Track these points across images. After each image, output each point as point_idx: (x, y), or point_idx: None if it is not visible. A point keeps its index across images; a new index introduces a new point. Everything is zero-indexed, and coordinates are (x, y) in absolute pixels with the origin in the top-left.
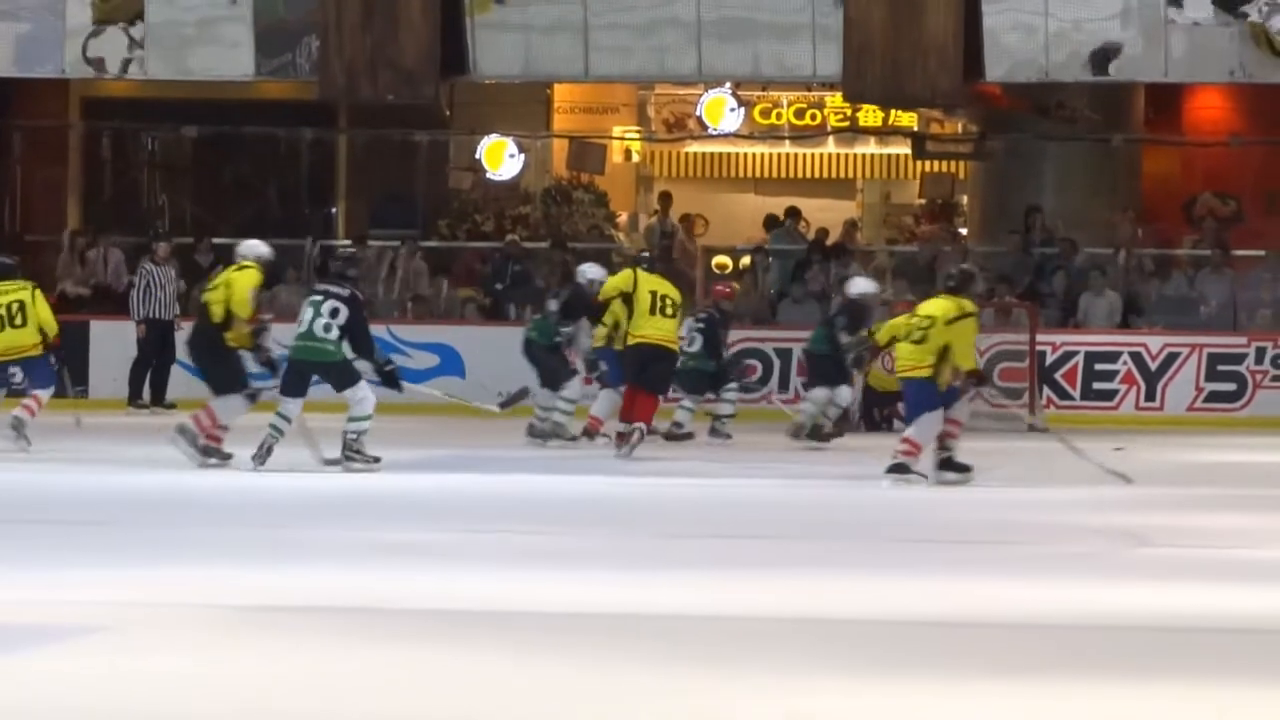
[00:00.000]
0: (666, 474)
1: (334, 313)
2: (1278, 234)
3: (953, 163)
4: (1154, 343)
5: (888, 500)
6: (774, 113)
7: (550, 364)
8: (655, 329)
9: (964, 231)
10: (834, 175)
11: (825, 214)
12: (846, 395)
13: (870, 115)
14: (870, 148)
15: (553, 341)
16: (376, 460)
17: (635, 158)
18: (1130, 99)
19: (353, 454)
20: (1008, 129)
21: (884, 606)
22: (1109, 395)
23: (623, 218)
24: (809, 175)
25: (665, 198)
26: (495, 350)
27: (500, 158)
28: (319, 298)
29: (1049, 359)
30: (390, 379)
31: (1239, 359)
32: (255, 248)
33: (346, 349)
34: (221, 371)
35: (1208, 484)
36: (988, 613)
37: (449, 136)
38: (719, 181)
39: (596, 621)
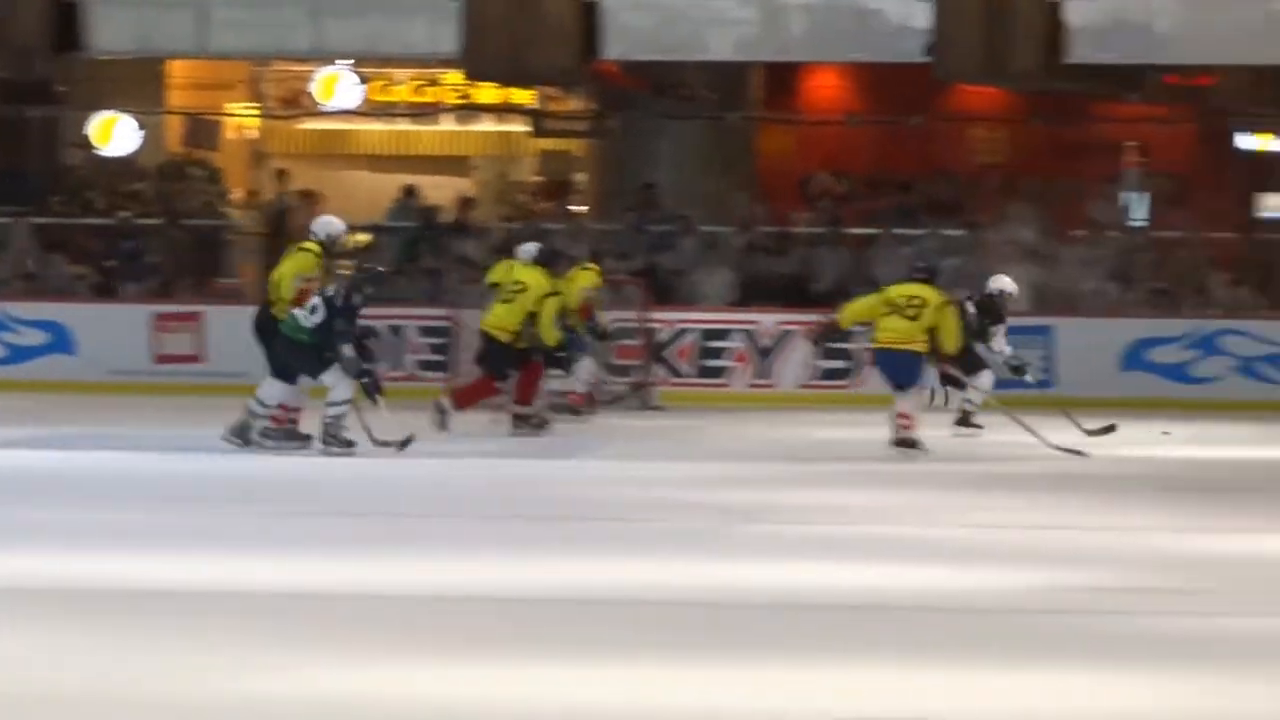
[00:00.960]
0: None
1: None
2: (892, 212)
3: (570, 140)
4: (768, 320)
5: (508, 477)
6: (390, 89)
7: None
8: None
9: (582, 209)
10: (451, 152)
11: (442, 191)
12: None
13: (488, 93)
14: (488, 125)
15: None
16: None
17: (251, 134)
18: (747, 77)
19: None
20: (625, 107)
21: (506, 583)
22: (720, 373)
23: (237, 194)
24: (426, 152)
25: (281, 175)
26: (107, 327)
27: (110, 134)
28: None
29: (663, 336)
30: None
31: (849, 336)
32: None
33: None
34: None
35: (819, 460)
36: (603, 588)
37: (62, 113)
38: (335, 158)
39: (225, 601)
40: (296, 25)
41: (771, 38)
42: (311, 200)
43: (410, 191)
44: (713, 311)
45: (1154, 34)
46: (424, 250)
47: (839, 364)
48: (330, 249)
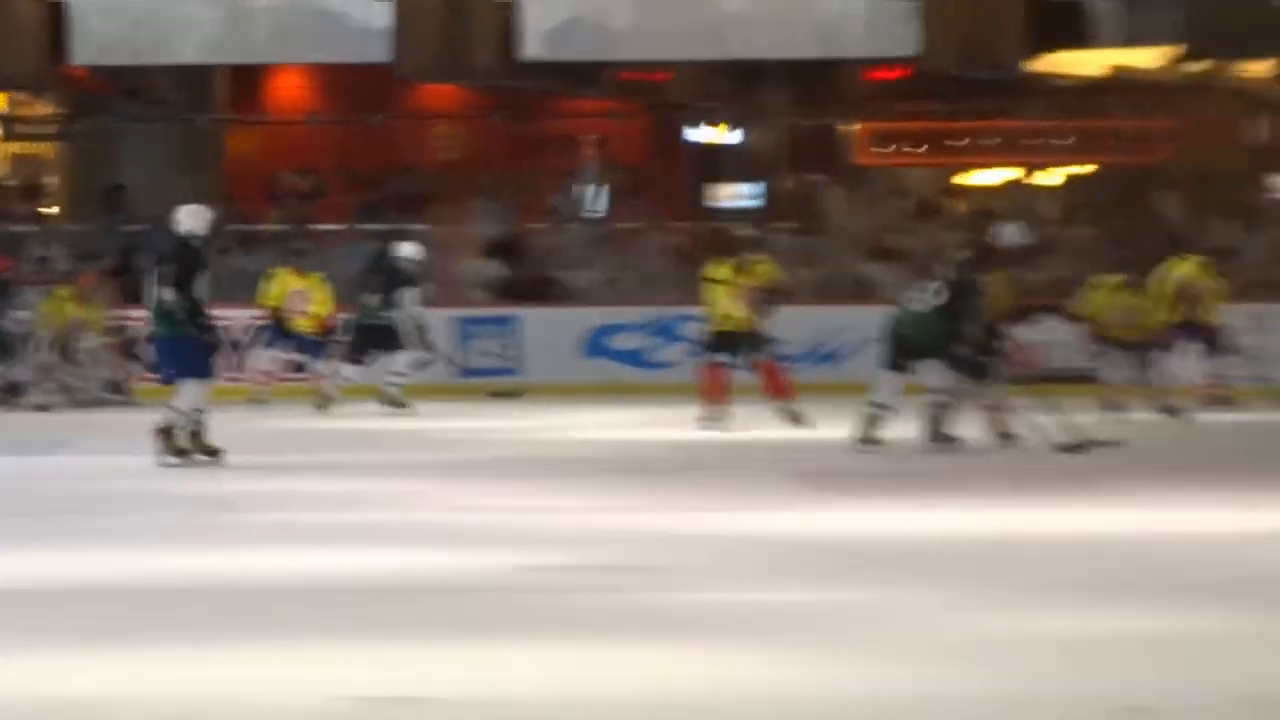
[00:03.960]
0: None
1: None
2: (359, 208)
3: (41, 144)
4: (239, 316)
5: None
6: None
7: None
8: None
9: (54, 211)
10: None
11: None
12: None
13: None
14: None
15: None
16: None
17: None
18: (214, 80)
19: None
20: (94, 111)
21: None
22: None
23: None
24: None
25: None
26: None
27: None
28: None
29: (135, 335)
30: None
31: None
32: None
33: None
34: None
35: (293, 451)
36: (84, 581)
37: None
38: None
39: None
40: None
41: (236, 40)
42: None
43: None
44: None
45: (608, 32)
46: None
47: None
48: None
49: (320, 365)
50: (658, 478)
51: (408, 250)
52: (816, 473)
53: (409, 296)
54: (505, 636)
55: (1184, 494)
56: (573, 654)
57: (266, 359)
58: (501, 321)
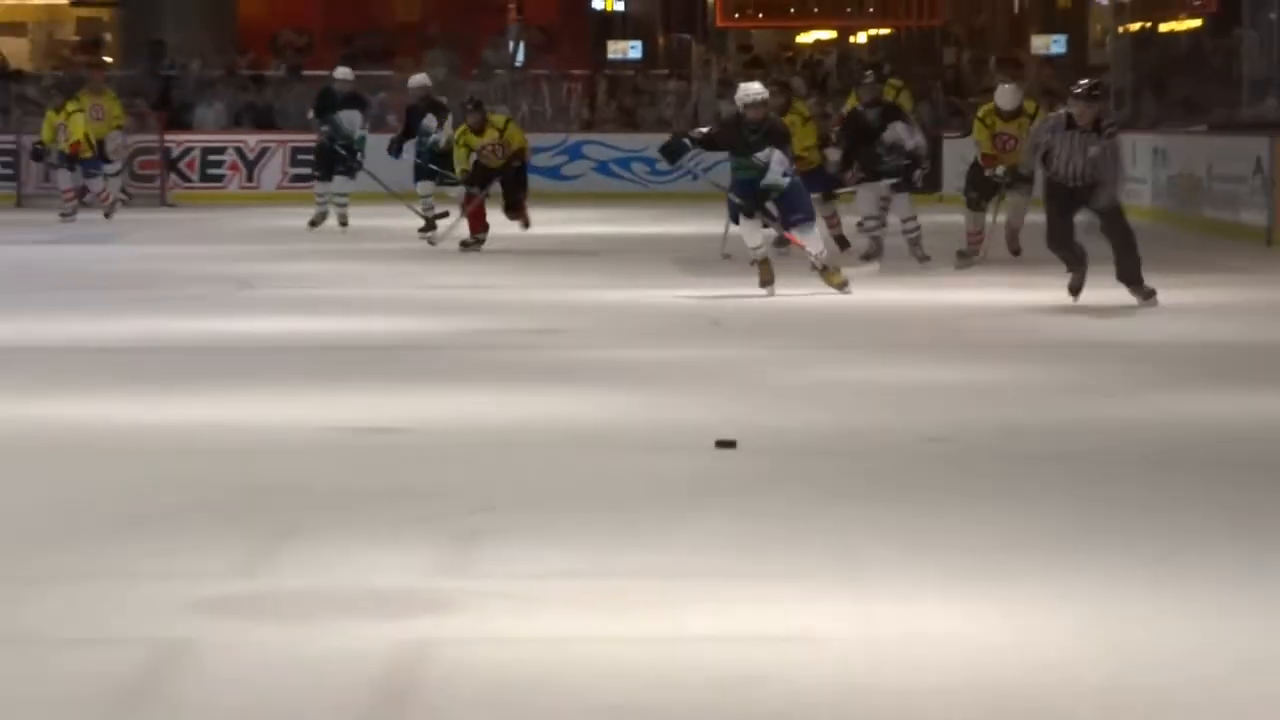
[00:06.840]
0: None
1: None
2: (340, 59)
3: (101, 8)
4: (251, 140)
5: (70, 256)
6: None
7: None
8: None
9: (110, 60)
10: (9, 19)
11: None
12: None
13: None
14: None
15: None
16: None
17: None
18: None
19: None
20: None
21: (80, 335)
22: (219, 179)
23: None
24: None
25: None
26: None
27: None
28: None
29: (174, 153)
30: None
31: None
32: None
33: None
34: None
35: (298, 241)
36: (123, 340)
37: None
38: None
39: None
40: None
41: None
42: None
43: None
44: (211, 134)
45: None
46: None
47: (306, 170)
48: None
49: (96, 183)
50: (570, 261)
51: (340, 73)
52: (688, 260)
53: (346, 117)
54: (461, 382)
55: (967, 278)
56: (509, 395)
57: (67, 179)
58: None
